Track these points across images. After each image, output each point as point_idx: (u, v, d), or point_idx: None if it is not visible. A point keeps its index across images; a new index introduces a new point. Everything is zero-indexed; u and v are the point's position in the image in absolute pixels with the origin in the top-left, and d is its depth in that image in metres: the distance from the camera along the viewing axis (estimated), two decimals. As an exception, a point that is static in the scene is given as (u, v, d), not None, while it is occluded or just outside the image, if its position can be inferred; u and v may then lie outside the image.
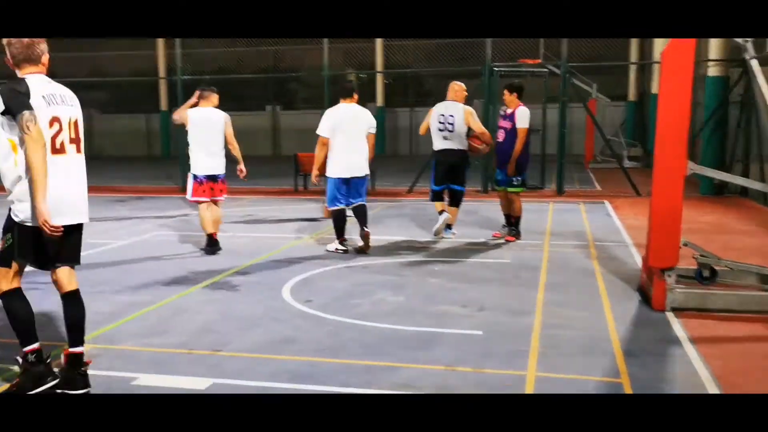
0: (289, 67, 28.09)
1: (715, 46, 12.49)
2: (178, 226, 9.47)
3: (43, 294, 5.00)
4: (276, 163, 20.40)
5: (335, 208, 7.44)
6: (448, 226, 8.28)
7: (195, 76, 15.83)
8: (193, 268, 6.73)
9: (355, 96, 7.49)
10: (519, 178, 7.96)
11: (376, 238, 8.32)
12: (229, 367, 4.08)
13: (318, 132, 7.36)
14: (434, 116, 8.15)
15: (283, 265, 6.86)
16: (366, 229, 7.42)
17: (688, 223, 8.80)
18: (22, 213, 3.51)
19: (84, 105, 3.87)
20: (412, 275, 6.43)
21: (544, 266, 6.78)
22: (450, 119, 8.05)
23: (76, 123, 3.70)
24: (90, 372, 3.94)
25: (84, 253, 6.71)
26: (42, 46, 3.62)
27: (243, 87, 27.89)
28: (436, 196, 8.36)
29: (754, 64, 6.25)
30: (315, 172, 7.48)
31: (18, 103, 3.41)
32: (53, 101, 3.56)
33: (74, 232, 3.71)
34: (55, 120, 3.56)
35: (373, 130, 7.48)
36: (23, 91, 3.46)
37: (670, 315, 5.08)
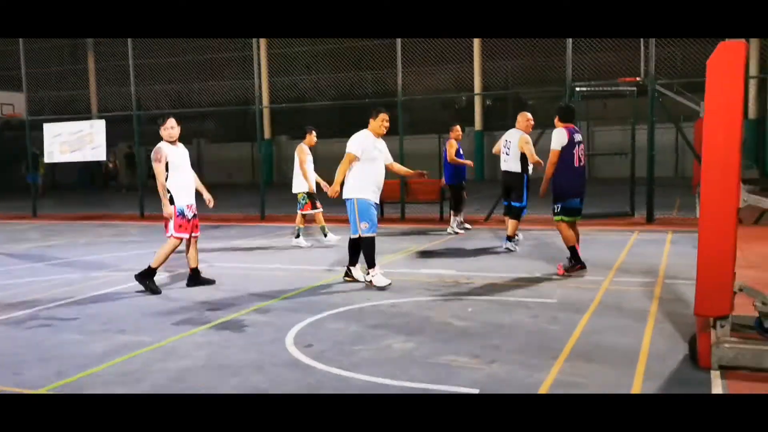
0: (391, 92, 27.95)
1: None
2: (232, 258, 9.37)
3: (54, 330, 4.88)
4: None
5: None
6: (509, 238, 9.24)
7: (275, 105, 15.96)
8: (218, 304, 6.49)
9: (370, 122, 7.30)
10: (557, 206, 7.37)
11: (427, 272, 7.83)
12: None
13: None
14: (501, 141, 9.37)
15: (308, 302, 6.49)
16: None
17: (748, 258, 7.71)
18: None
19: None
20: (437, 316, 5.86)
21: (591, 308, 6.00)
22: (508, 144, 9.17)
23: None
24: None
25: (121, 287, 6.56)
26: None
27: (339, 113, 28.04)
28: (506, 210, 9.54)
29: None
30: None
31: None
32: None
33: None
34: None
35: (346, 152, 7.14)
36: None
37: (715, 375, 4.24)
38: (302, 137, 10.37)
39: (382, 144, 7.24)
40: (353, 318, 5.90)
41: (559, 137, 7.29)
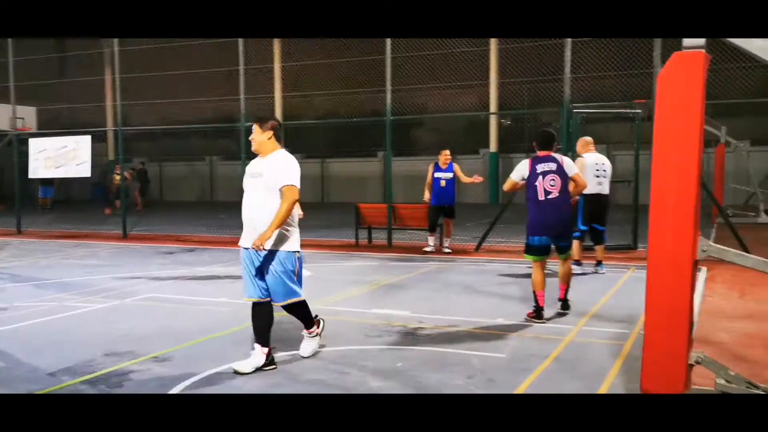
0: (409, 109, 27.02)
1: None
2: (181, 288, 8.60)
3: None
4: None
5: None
6: (600, 263, 9.36)
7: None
8: (118, 348, 5.70)
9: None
10: (526, 242, 6.60)
11: (376, 313, 6.98)
12: None
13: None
14: (590, 165, 9.08)
15: (223, 348, 5.70)
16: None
17: (748, 306, 6.58)
18: None
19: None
20: (354, 373, 4.99)
21: (542, 367, 5.07)
22: (604, 167, 9.26)
23: None
24: None
25: (43, 319, 5.71)
26: None
27: (356, 132, 27.12)
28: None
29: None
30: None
31: None
32: None
33: None
34: None
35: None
36: None
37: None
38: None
39: (262, 166, 5.06)
40: (260, 373, 5.06)
41: (519, 167, 6.59)
